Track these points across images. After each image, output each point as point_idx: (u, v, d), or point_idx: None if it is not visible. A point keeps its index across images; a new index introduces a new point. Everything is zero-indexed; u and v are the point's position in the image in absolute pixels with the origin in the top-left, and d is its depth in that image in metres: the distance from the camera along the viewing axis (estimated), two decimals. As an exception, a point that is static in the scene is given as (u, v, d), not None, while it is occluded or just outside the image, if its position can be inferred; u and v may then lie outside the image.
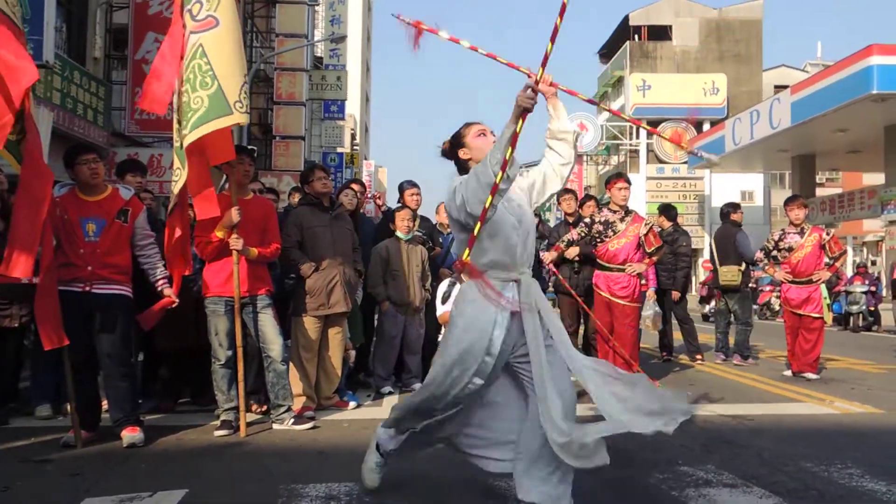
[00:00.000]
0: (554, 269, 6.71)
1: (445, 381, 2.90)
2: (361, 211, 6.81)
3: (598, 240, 6.26)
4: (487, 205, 2.66)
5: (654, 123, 36.75)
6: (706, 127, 32.79)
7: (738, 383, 6.80)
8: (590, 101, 3.37)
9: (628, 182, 6.36)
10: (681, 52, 37.99)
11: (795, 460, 3.88)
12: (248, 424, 4.61)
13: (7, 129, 3.70)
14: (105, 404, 4.49)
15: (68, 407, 4.31)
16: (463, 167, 3.00)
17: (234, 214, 4.45)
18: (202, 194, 4.38)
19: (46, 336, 3.96)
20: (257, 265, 4.72)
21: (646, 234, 6.19)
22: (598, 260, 6.29)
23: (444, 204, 3.05)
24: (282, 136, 20.96)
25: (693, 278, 33.50)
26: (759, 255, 7.57)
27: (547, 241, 7.08)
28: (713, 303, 11.84)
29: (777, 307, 17.74)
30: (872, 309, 14.91)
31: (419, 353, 6.35)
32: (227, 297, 4.57)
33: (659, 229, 8.24)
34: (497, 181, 2.62)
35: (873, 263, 29.54)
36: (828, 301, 7.31)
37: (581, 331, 7.41)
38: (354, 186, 6.52)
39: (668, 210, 8.85)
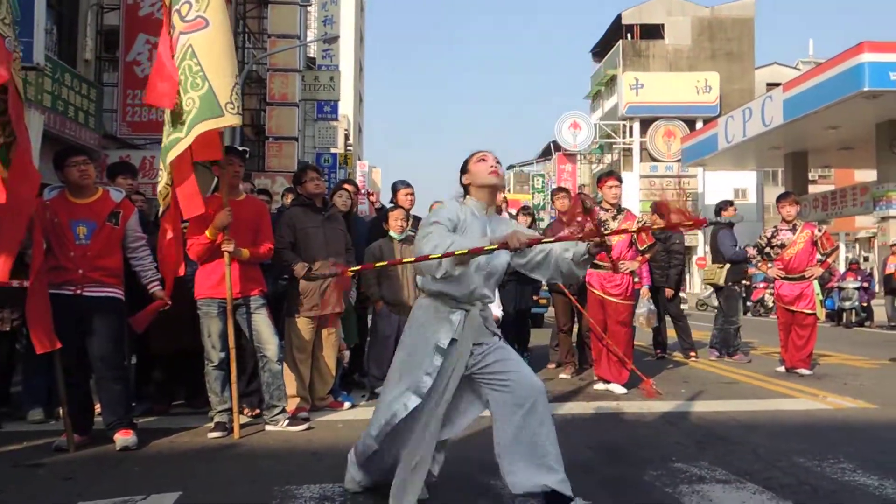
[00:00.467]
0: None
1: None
2: (354, 211, 6.80)
3: (592, 238, 6.26)
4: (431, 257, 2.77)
5: (647, 122, 36.92)
6: (699, 125, 32.89)
7: (731, 380, 6.81)
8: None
9: (619, 180, 6.37)
10: (673, 51, 38.07)
11: (789, 456, 3.89)
12: (242, 426, 4.60)
13: None
14: (98, 407, 4.47)
15: (60, 411, 4.29)
16: (466, 190, 3.18)
17: (226, 216, 4.43)
18: (186, 193, 4.36)
19: (38, 339, 3.94)
20: (250, 266, 4.71)
21: (638, 232, 6.19)
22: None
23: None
24: (275, 137, 20.90)
25: (687, 276, 33.64)
26: (752, 251, 7.60)
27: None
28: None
29: (770, 304, 17.80)
30: (865, 305, 14.99)
31: (413, 352, 6.34)
32: (220, 299, 4.55)
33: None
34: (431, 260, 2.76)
35: (865, 260, 29.65)
36: (820, 297, 7.33)
37: (575, 329, 7.42)
38: (347, 187, 6.51)
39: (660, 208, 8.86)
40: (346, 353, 5.92)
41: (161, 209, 4.53)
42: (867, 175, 24.15)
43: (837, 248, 7.88)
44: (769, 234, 7.39)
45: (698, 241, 35.26)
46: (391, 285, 6.06)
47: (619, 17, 39.22)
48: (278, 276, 5.45)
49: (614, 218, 6.21)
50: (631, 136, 37.19)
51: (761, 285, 19.54)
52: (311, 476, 3.58)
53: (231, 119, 4.26)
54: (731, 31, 38.08)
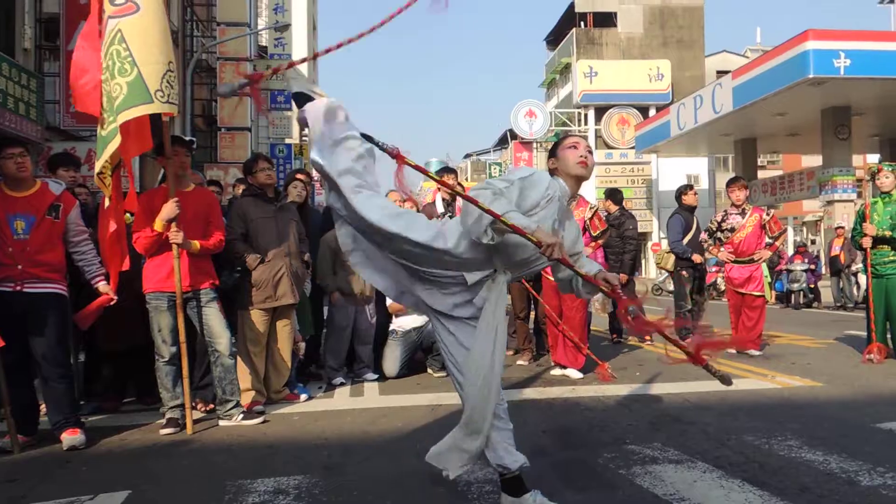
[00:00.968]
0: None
1: None
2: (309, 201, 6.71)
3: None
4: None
5: (602, 109, 37.32)
6: (652, 112, 33.34)
7: (684, 362, 6.92)
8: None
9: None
10: (626, 39, 38.48)
11: (738, 434, 3.99)
12: (196, 421, 4.52)
13: None
14: (43, 407, 4.34)
15: (3, 411, 4.14)
16: (552, 172, 3.00)
17: (173, 207, 4.33)
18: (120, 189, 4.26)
19: (-23, 339, 3.80)
20: (200, 258, 4.61)
21: (591, 218, 6.26)
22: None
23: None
24: (227, 127, 20.52)
25: (642, 261, 34.18)
26: (703, 235, 7.73)
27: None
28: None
29: (723, 287, 18.18)
30: (812, 286, 15.41)
31: (371, 343, 6.32)
32: (170, 293, 4.45)
33: (605, 213, 8.34)
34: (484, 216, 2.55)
35: (813, 242, 30.60)
36: (769, 280, 7.51)
37: (532, 316, 7.47)
38: (301, 177, 6.41)
39: (614, 194, 8.95)
40: (302, 345, 5.85)
41: (103, 201, 4.40)
42: (813, 160, 24.83)
43: (785, 231, 8.08)
44: (719, 219, 7.53)
45: (653, 226, 35.88)
46: (347, 276, 6.01)
47: (571, 5, 39.45)
48: (233, 269, 5.35)
49: (567, 204, 6.24)
50: (586, 123, 37.53)
51: (713, 269, 19.97)
52: (265, 470, 3.53)
53: (160, 106, 4.12)
54: (681, 18, 38.65)
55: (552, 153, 3.03)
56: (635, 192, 36.13)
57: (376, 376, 6.19)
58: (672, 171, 34.56)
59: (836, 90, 18.45)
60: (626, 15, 38.63)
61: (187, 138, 5.51)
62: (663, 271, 17.75)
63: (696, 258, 7.81)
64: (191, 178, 4.88)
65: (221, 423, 4.58)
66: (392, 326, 6.40)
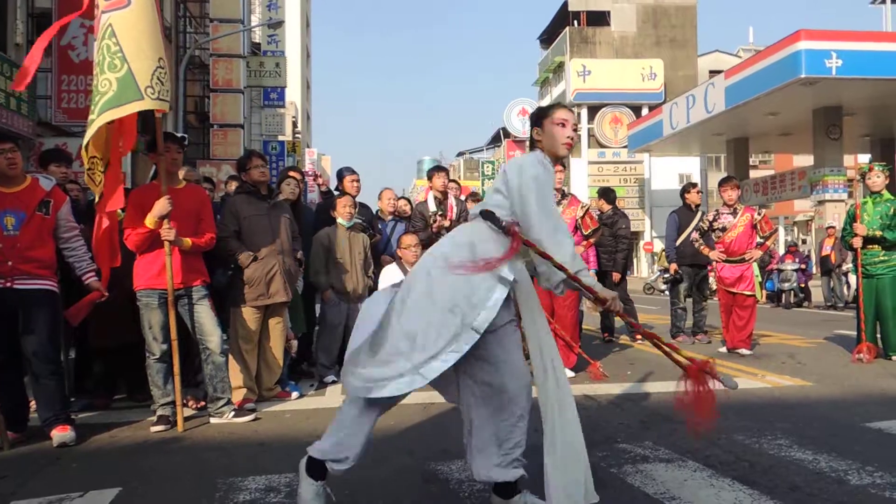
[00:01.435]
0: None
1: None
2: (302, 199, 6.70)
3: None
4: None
5: (595, 108, 37.39)
6: (644, 111, 33.43)
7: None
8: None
9: (563, 165, 6.41)
10: (619, 38, 38.58)
11: (729, 433, 4.00)
12: (187, 419, 4.50)
13: None
14: (33, 404, 4.32)
15: (-7, 408, 4.13)
16: (533, 144, 2.86)
17: (165, 204, 4.31)
18: (112, 183, 4.23)
19: (-33, 336, 3.78)
20: (192, 256, 4.59)
21: (582, 217, 6.27)
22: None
23: (508, 165, 2.79)
24: (220, 124, 20.49)
25: (634, 260, 34.29)
26: (695, 235, 7.76)
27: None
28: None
29: (714, 286, 18.25)
30: (803, 286, 15.49)
31: (363, 341, 6.30)
32: (161, 290, 4.43)
33: (598, 212, 8.36)
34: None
35: (804, 242, 30.72)
36: (760, 279, 7.54)
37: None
38: (294, 175, 6.40)
39: (606, 193, 8.97)
40: (294, 343, 5.84)
41: (95, 197, 4.37)
42: (805, 160, 24.95)
43: (776, 231, 8.12)
44: (711, 218, 7.56)
45: (645, 226, 35.99)
46: (339, 273, 6.00)
47: (565, 4, 39.51)
48: (226, 268, 5.33)
49: (558, 203, 6.26)
50: (579, 122, 37.60)
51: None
52: (257, 468, 3.52)
53: (151, 103, 4.10)
54: (674, 18, 38.79)
55: (537, 122, 2.84)
56: (628, 192, 36.26)
57: (368, 374, 6.16)
58: (664, 171, 34.70)
59: (828, 90, 18.55)
60: (620, 14, 38.73)
61: (179, 135, 5.49)
62: (656, 270, 17.84)
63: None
64: (187, 175, 4.86)
65: (213, 420, 4.57)
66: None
